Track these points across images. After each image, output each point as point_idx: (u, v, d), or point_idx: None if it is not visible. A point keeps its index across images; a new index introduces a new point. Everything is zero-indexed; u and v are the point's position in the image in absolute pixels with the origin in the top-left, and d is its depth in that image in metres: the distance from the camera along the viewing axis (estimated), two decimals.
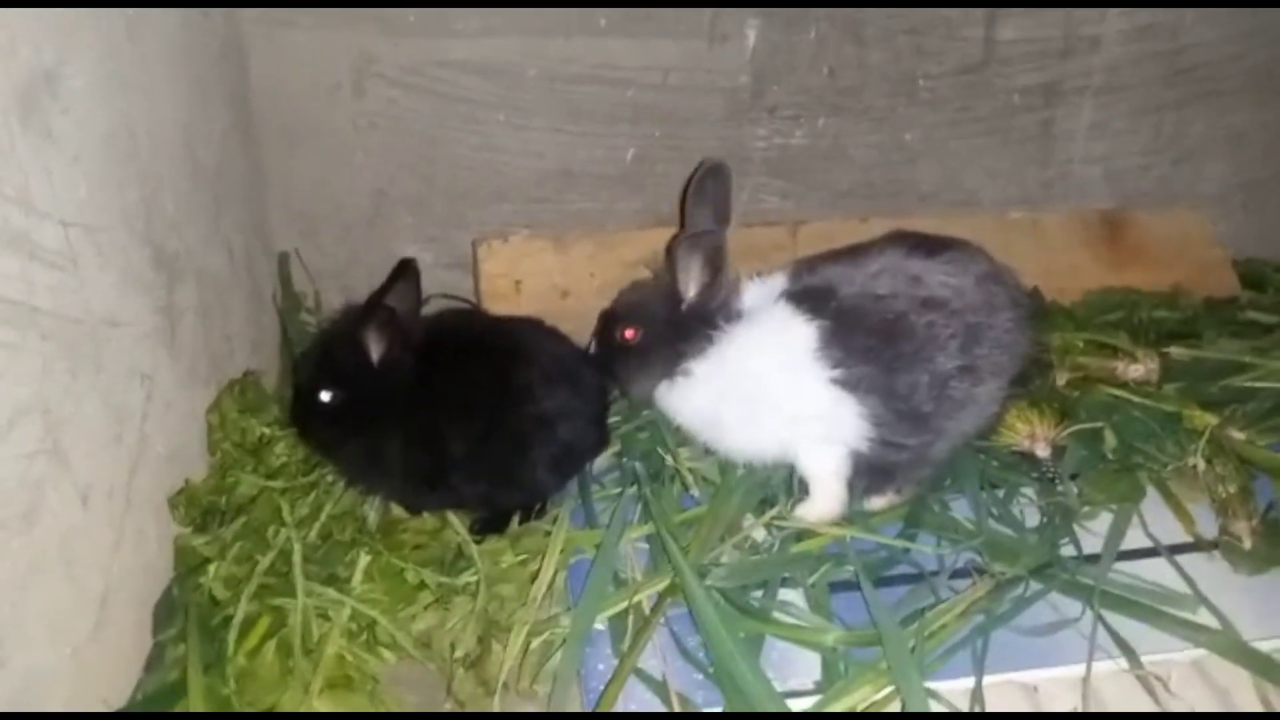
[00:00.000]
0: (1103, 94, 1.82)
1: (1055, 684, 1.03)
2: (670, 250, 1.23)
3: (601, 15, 1.55)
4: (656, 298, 1.27)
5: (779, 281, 1.24)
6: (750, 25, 1.61)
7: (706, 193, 1.26)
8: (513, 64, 1.57)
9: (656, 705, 0.98)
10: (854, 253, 1.22)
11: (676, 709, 0.97)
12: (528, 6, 1.52)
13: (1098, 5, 1.73)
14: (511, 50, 1.55)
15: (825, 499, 1.21)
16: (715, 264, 1.20)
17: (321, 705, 0.93)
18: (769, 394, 1.19)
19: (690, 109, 1.67)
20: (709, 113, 1.68)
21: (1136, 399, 1.41)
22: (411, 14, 1.48)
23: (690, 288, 1.22)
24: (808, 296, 1.19)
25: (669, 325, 1.24)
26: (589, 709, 0.97)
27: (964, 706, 0.98)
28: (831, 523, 1.20)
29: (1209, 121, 1.91)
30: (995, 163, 1.85)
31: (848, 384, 1.15)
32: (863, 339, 1.15)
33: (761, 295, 1.23)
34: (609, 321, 1.29)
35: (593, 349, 1.32)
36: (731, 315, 1.22)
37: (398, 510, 1.20)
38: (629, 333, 1.26)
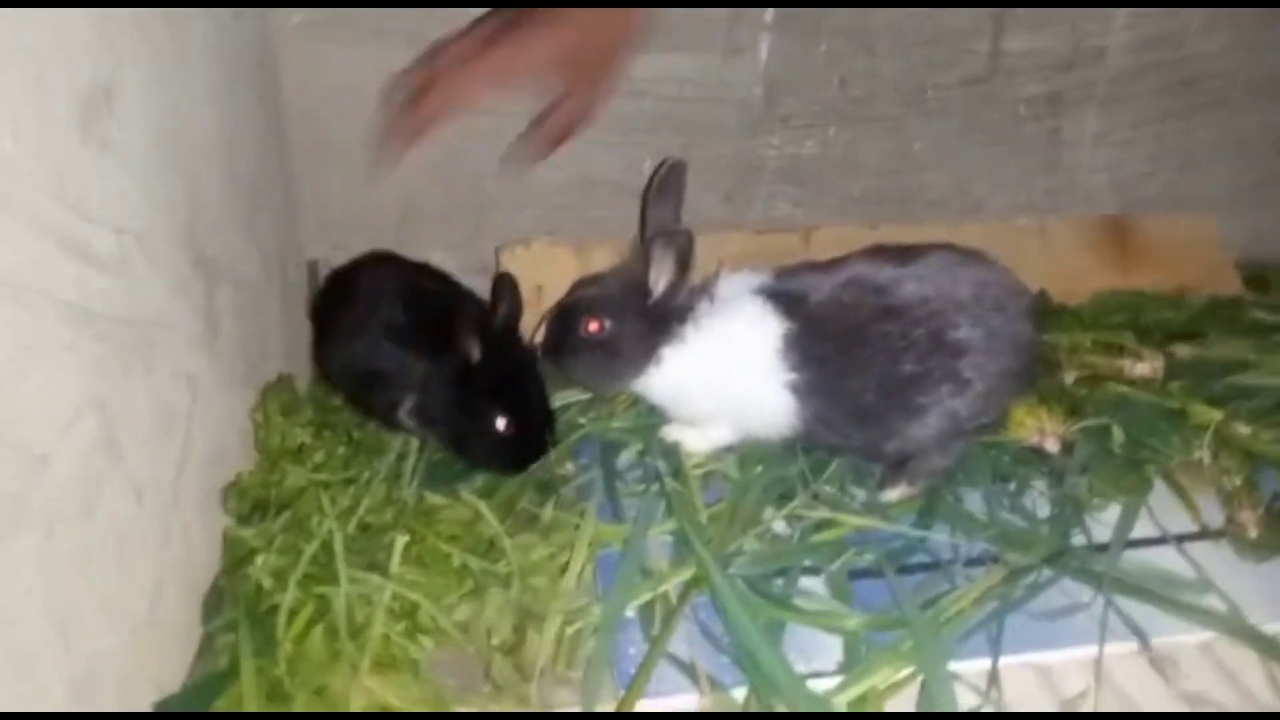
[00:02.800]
0: (1108, 103, 1.87)
1: (1068, 665, 1.07)
2: (645, 246, 1.27)
3: None
4: (622, 291, 1.30)
5: (757, 278, 1.29)
6: (763, 38, 1.66)
7: (668, 190, 1.32)
8: None
9: (686, 686, 1.03)
10: (831, 264, 1.27)
11: (705, 690, 1.01)
12: None
13: (1104, 5, 1.76)
14: None
15: (704, 442, 1.33)
16: (685, 261, 1.25)
17: (370, 684, 0.97)
18: (727, 381, 1.26)
19: (705, 119, 1.72)
20: (723, 123, 1.73)
21: (1143, 396, 1.45)
22: (439, 26, 1.52)
23: (660, 283, 1.27)
24: (783, 298, 1.25)
25: (637, 319, 1.28)
26: (622, 691, 1.01)
27: (982, 686, 1.02)
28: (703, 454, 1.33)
29: (1213, 129, 1.94)
30: (1002, 171, 1.89)
31: (799, 389, 1.22)
32: (820, 346, 1.21)
33: (738, 287, 1.29)
34: (569, 315, 1.31)
35: (543, 343, 1.34)
36: (702, 300, 1.27)
37: (433, 499, 1.24)
38: (594, 325, 1.28)
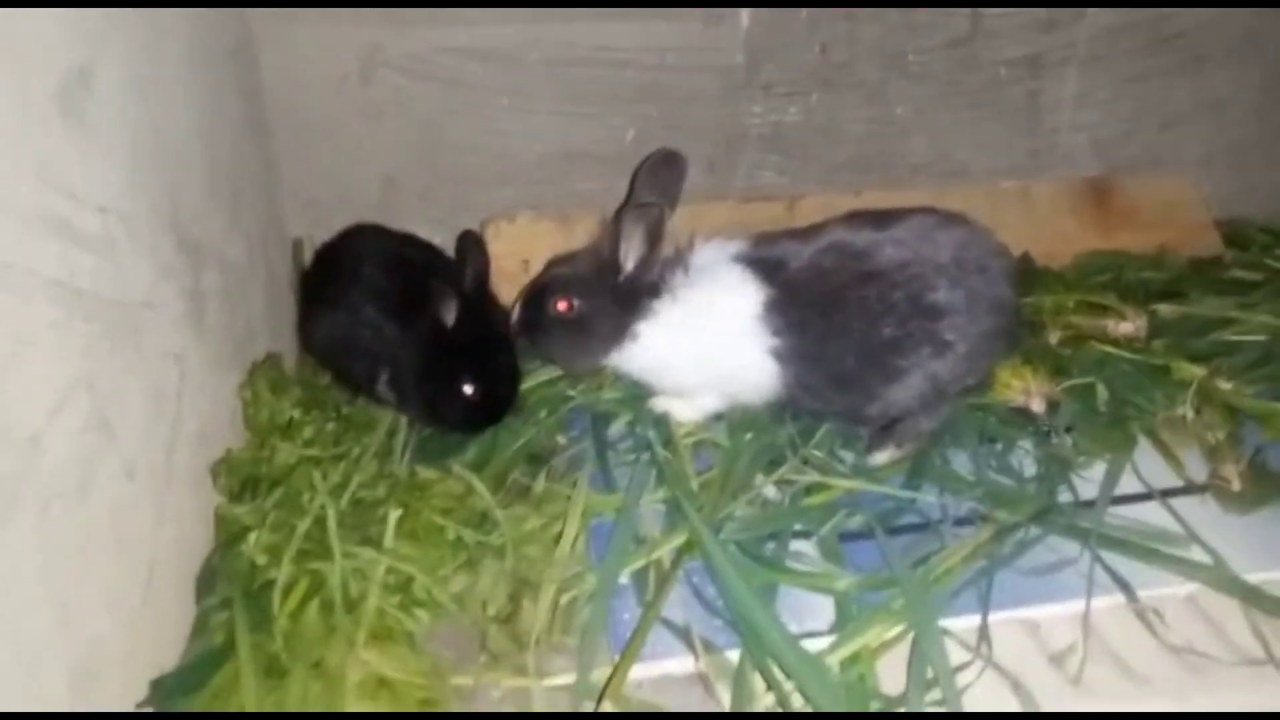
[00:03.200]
0: (1087, 64, 1.87)
1: (1056, 620, 1.09)
2: (615, 220, 1.27)
3: None
4: (591, 269, 1.30)
5: (734, 246, 1.29)
6: (744, 5, 1.66)
7: (659, 178, 1.32)
8: (514, 49, 1.61)
9: (680, 650, 1.04)
10: (810, 230, 1.28)
11: (699, 653, 1.02)
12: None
13: None
14: (513, 35, 1.60)
15: (693, 411, 1.34)
16: (655, 236, 1.25)
17: (367, 657, 0.98)
18: (711, 350, 1.26)
19: (688, 88, 1.71)
20: (706, 92, 1.73)
21: (1126, 354, 1.47)
22: (415, 10, 1.52)
23: (630, 259, 1.27)
24: (761, 265, 1.25)
25: (607, 296, 1.28)
26: (616, 657, 1.02)
27: (972, 642, 1.03)
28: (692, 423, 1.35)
29: (1192, 88, 1.95)
30: (984, 134, 1.89)
31: (781, 355, 1.23)
32: (800, 311, 1.22)
33: (715, 255, 1.29)
34: (540, 294, 1.31)
35: (516, 322, 1.35)
36: (677, 272, 1.27)
37: (425, 474, 1.25)
38: (563, 305, 1.29)
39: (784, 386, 1.26)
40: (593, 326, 1.30)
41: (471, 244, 1.36)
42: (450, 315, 1.31)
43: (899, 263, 1.21)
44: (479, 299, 1.36)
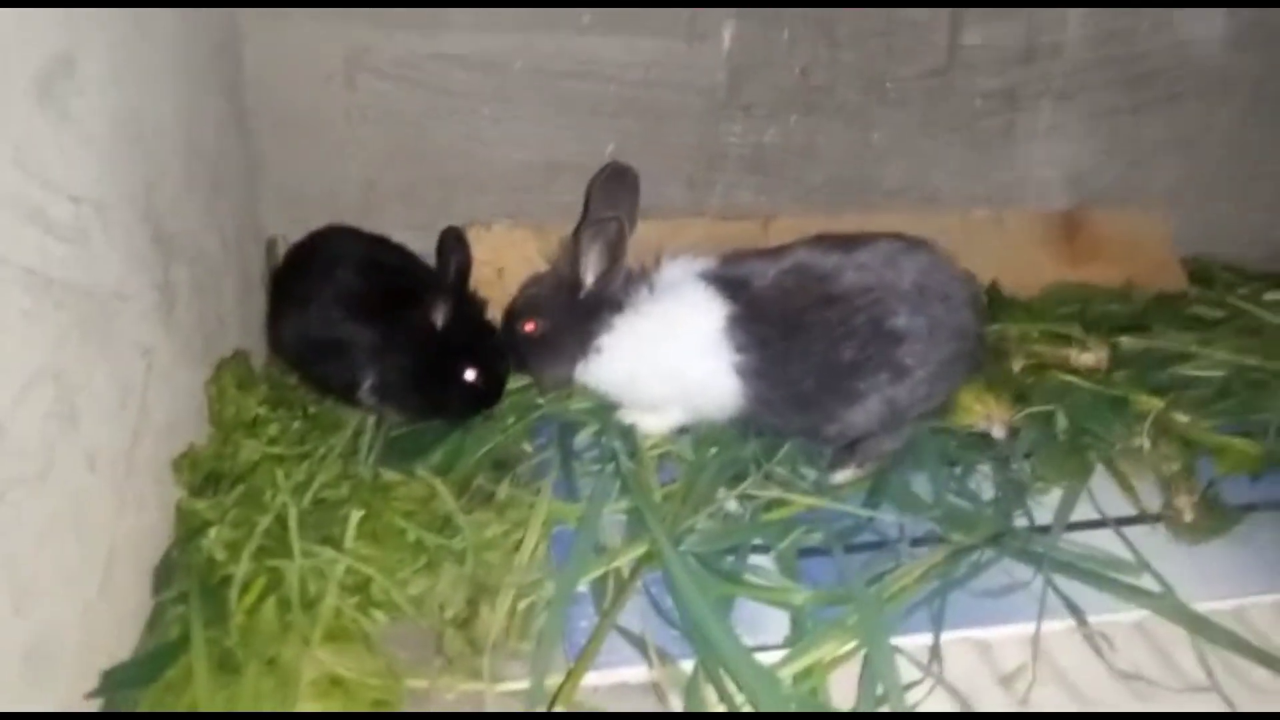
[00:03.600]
0: (1062, 98, 1.90)
1: (1008, 641, 1.11)
2: (573, 237, 1.29)
3: (585, 13, 1.61)
4: (552, 288, 1.34)
5: (699, 263, 1.31)
6: (726, 25, 1.68)
7: (611, 193, 1.34)
8: (500, 58, 1.62)
9: (636, 659, 1.05)
10: (777, 250, 1.30)
11: (655, 663, 1.03)
12: (516, 5, 1.57)
13: (1060, 5, 1.80)
14: (499, 45, 1.61)
15: (659, 424, 1.36)
16: (615, 252, 1.27)
17: (322, 656, 0.98)
18: (675, 362, 1.28)
19: (669, 105, 1.73)
20: (687, 109, 1.74)
21: (1087, 384, 1.49)
22: (403, 8, 1.53)
23: (589, 274, 1.29)
24: (726, 283, 1.27)
25: (569, 313, 1.31)
26: (572, 664, 1.03)
27: (924, 660, 1.05)
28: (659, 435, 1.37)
29: (1164, 124, 1.98)
30: (959, 162, 1.92)
31: (744, 371, 1.25)
32: (763, 328, 1.24)
33: (680, 272, 1.31)
34: (512, 318, 1.36)
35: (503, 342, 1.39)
36: (641, 288, 1.30)
37: (389, 476, 1.25)
38: (529, 326, 1.33)
39: (747, 402, 1.27)
40: (558, 343, 1.32)
41: (454, 239, 1.38)
42: (441, 318, 1.34)
43: (861, 287, 1.22)
44: (461, 292, 1.40)
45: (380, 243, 1.51)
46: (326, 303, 1.39)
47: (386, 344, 1.36)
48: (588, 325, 1.30)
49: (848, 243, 1.26)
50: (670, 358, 1.28)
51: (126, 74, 1.09)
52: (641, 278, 1.30)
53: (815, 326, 1.22)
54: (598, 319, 1.29)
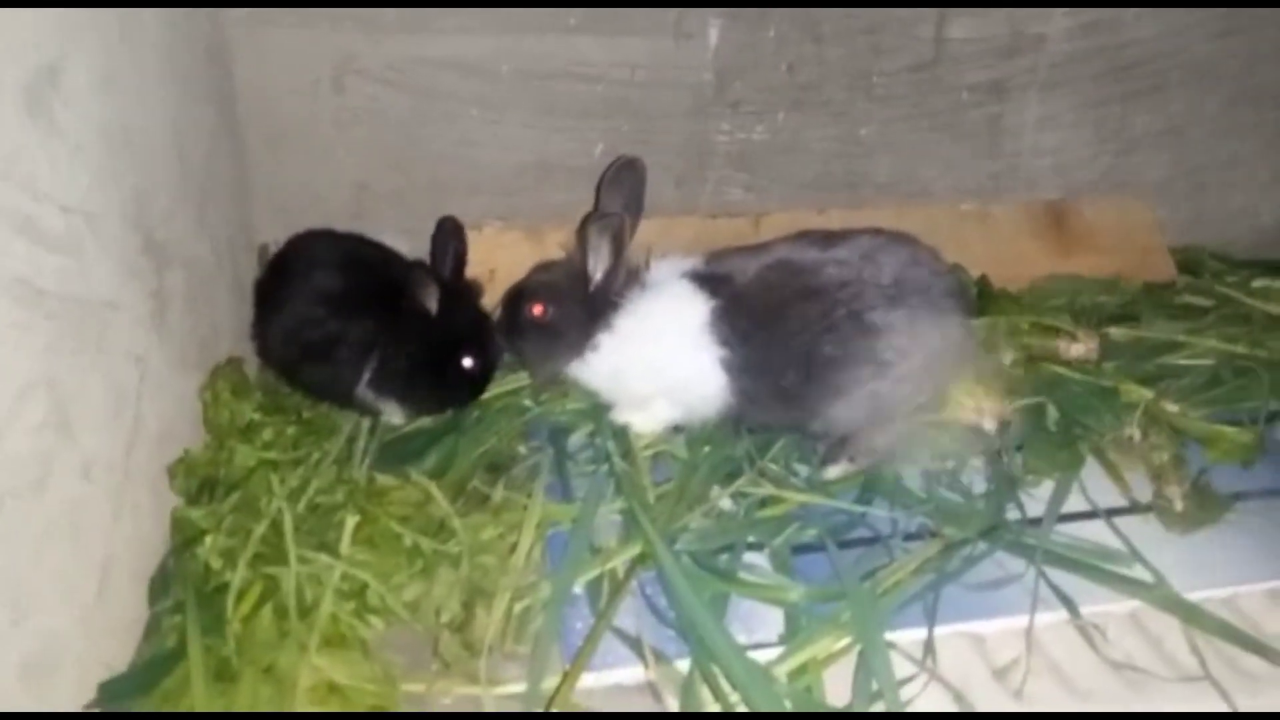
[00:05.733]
0: (1048, 90, 1.90)
1: (1001, 634, 1.11)
2: (580, 231, 1.30)
3: (571, 14, 1.61)
4: (566, 278, 1.34)
5: (686, 263, 1.33)
6: (713, 24, 1.68)
7: (622, 184, 1.35)
8: (488, 61, 1.62)
9: (631, 659, 1.05)
10: (760, 246, 1.31)
11: (650, 664, 1.04)
12: (502, 6, 1.58)
13: (1044, 5, 1.80)
14: (487, 47, 1.61)
15: (652, 423, 1.36)
16: (619, 244, 1.28)
17: (319, 662, 0.99)
18: (661, 358, 1.29)
19: (657, 104, 1.73)
20: (675, 108, 1.75)
21: (1077, 376, 1.50)
22: (391, 12, 1.53)
23: (598, 269, 1.30)
24: (709, 279, 1.29)
25: (578, 305, 1.32)
26: (568, 666, 1.03)
27: (918, 655, 1.05)
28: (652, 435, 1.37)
29: (1150, 114, 1.99)
30: (947, 156, 1.92)
31: (729, 365, 1.26)
32: (745, 322, 1.25)
33: (667, 272, 1.33)
34: (518, 298, 1.35)
35: (497, 323, 1.39)
36: (634, 287, 1.31)
37: (384, 480, 1.26)
38: (538, 310, 1.33)
39: (733, 397, 1.28)
40: (562, 334, 1.33)
41: (451, 228, 1.41)
42: (433, 302, 1.35)
43: (840, 281, 1.23)
44: (458, 280, 1.42)
45: (357, 240, 1.51)
46: (311, 303, 1.40)
47: (382, 335, 1.37)
48: (592, 320, 1.31)
49: (829, 238, 1.27)
50: (656, 354, 1.29)
51: (114, 83, 1.09)
52: (634, 278, 1.32)
53: (796, 320, 1.23)
54: (601, 317, 1.30)
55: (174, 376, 1.24)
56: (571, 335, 1.32)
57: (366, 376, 1.38)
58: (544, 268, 1.39)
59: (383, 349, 1.37)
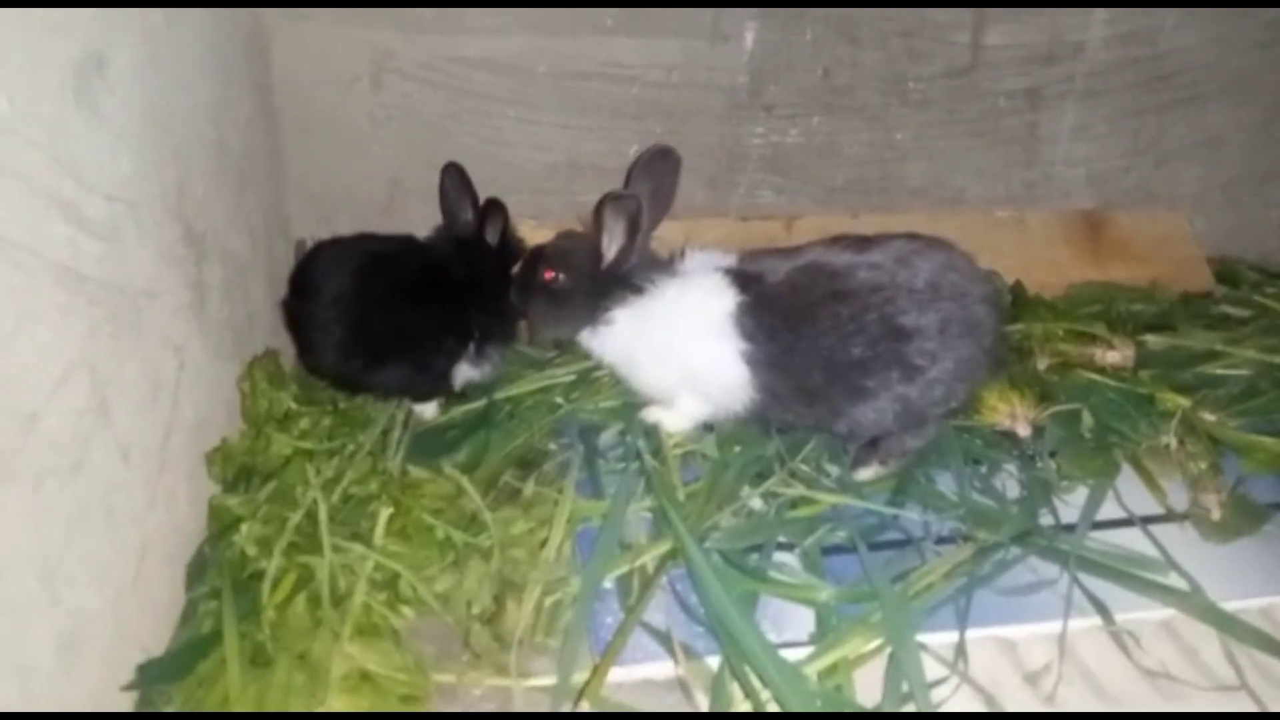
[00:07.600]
0: (1085, 98, 1.90)
1: (1033, 639, 1.10)
2: (597, 209, 1.30)
3: (608, 15, 1.62)
4: (583, 250, 1.34)
5: (721, 258, 1.33)
6: (749, 26, 1.68)
7: (652, 171, 1.35)
8: (523, 61, 1.63)
9: (661, 654, 1.05)
10: (793, 249, 1.31)
11: (680, 659, 1.03)
12: (538, 6, 1.59)
13: (1082, 5, 1.79)
14: (522, 48, 1.62)
15: (680, 420, 1.38)
16: (634, 226, 1.28)
17: (351, 651, 0.99)
18: (678, 342, 1.29)
19: (691, 106, 1.74)
20: (709, 110, 1.75)
21: (1113, 383, 1.49)
22: (428, 12, 1.55)
23: (611, 248, 1.31)
24: (741, 275, 1.29)
25: (588, 279, 1.33)
26: (597, 659, 1.03)
27: (949, 657, 1.05)
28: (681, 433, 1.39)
29: (1188, 125, 1.98)
30: (982, 162, 1.92)
31: (752, 359, 1.26)
32: (772, 320, 1.25)
33: (701, 264, 1.33)
34: (535, 260, 1.36)
35: (513, 279, 1.40)
36: (668, 276, 1.31)
37: (417, 473, 1.26)
38: (549, 274, 1.34)
39: (756, 393, 1.27)
40: (569, 302, 1.34)
41: (494, 207, 1.44)
42: (497, 233, 1.44)
43: (873, 285, 1.22)
44: (505, 251, 1.47)
45: (367, 238, 1.49)
46: (374, 302, 1.39)
47: (472, 302, 1.43)
48: (603, 295, 1.32)
49: (864, 242, 1.27)
50: (674, 338, 1.29)
51: (157, 73, 1.10)
52: (666, 266, 1.32)
53: (825, 321, 1.23)
54: (615, 293, 1.31)
55: (211, 366, 1.25)
56: (576, 305, 1.34)
57: (471, 348, 1.44)
58: (568, 235, 1.40)
59: (478, 314, 1.44)
